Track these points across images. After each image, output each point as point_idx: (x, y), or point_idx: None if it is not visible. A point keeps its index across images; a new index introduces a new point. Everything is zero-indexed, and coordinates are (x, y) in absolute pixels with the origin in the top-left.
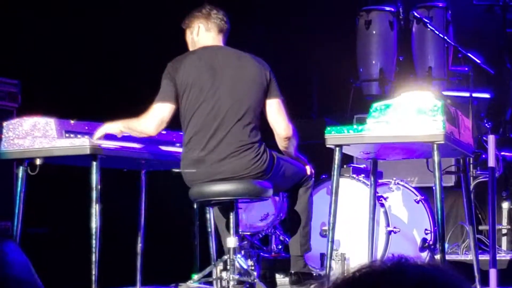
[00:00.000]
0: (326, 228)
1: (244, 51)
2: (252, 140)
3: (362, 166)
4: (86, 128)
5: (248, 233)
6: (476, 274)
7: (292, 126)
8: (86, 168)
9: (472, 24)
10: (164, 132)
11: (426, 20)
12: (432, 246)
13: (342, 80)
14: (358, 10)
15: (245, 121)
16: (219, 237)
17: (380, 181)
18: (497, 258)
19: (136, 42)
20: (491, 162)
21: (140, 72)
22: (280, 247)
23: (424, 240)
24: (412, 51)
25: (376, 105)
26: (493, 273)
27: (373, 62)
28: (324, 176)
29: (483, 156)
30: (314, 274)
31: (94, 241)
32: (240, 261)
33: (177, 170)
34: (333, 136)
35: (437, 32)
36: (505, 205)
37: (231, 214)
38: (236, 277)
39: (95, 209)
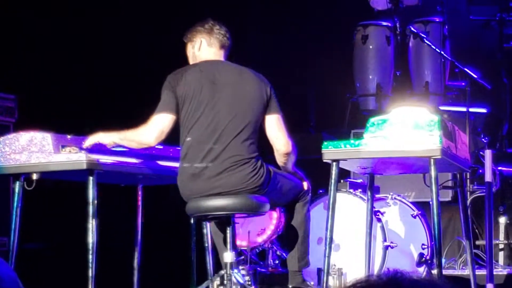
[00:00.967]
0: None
1: (242, 66)
2: (250, 155)
3: (359, 181)
4: (83, 143)
5: (245, 248)
6: None
7: (291, 142)
8: (82, 183)
9: (469, 39)
10: (160, 146)
11: (423, 35)
12: (429, 261)
13: (339, 95)
14: (355, 25)
15: (244, 136)
16: (216, 252)
17: (377, 196)
18: (494, 273)
19: (135, 59)
20: (488, 177)
21: (138, 88)
22: (277, 262)
23: (421, 255)
24: (409, 66)
25: (373, 119)
26: None
27: (370, 77)
28: (321, 191)
29: (480, 171)
30: None
31: (90, 256)
32: (237, 276)
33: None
34: (330, 150)
35: (434, 47)
36: (502, 220)
37: (228, 229)
38: None
39: (92, 224)
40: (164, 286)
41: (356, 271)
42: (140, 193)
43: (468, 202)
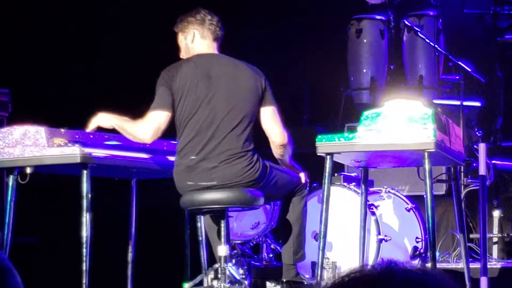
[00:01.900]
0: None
1: (237, 59)
2: (246, 148)
3: (353, 174)
4: (77, 136)
5: (239, 242)
6: (467, 282)
7: (287, 133)
8: (76, 177)
9: (462, 33)
10: (156, 140)
11: (417, 29)
12: (423, 254)
13: (333, 88)
14: (349, 19)
15: (240, 130)
16: (210, 246)
17: (371, 189)
18: (488, 266)
19: (130, 51)
20: (482, 171)
21: (132, 80)
22: (271, 255)
23: (415, 248)
24: (403, 59)
25: (367, 113)
26: (484, 282)
27: (364, 70)
28: (315, 185)
29: (474, 164)
30: (306, 283)
31: (84, 250)
32: (231, 270)
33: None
34: (324, 144)
35: (428, 41)
36: (496, 213)
37: (222, 222)
38: (227, 285)
39: (86, 218)
40: (158, 280)
41: (350, 265)
42: (134, 186)
43: (462, 195)
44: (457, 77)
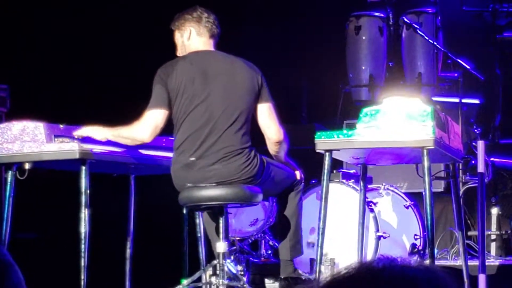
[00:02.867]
0: (312, 241)
1: (234, 56)
2: (243, 145)
3: (352, 171)
4: (74, 132)
5: (238, 238)
6: (465, 279)
7: (283, 130)
8: (75, 173)
9: (461, 30)
10: None
11: (415, 26)
12: (421, 252)
13: (332, 85)
14: (348, 16)
15: (237, 127)
16: (208, 242)
17: (369, 186)
18: (486, 263)
19: (127, 46)
20: (481, 168)
21: (130, 77)
22: (269, 252)
23: (413, 245)
24: (402, 56)
25: (366, 110)
26: (482, 279)
27: (363, 67)
28: (313, 181)
29: (473, 161)
30: (304, 279)
31: (83, 246)
32: (230, 266)
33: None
34: (323, 141)
35: (427, 38)
36: (494, 210)
37: (221, 219)
38: (226, 282)
39: (84, 213)
40: (156, 276)
41: (349, 261)
42: (132, 183)
43: (461, 192)
44: (456, 75)
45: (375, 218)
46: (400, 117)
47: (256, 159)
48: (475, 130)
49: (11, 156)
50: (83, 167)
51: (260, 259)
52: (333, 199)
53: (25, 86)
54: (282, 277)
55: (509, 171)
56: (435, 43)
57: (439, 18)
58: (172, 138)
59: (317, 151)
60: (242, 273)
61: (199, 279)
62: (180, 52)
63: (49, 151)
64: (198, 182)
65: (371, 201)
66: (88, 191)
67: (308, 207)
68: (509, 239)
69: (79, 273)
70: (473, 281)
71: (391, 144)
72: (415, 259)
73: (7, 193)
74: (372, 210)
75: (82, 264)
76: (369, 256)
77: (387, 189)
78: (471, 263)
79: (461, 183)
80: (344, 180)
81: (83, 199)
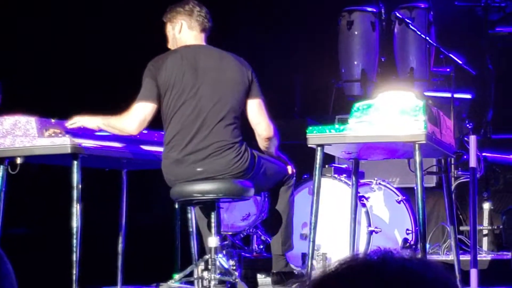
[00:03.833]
0: (305, 232)
1: (226, 51)
2: (234, 140)
3: (343, 166)
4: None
5: (230, 233)
6: (457, 274)
7: (273, 126)
8: (67, 167)
9: (453, 25)
10: (145, 131)
11: (408, 21)
12: (413, 246)
13: (324, 80)
14: (340, 11)
15: (227, 121)
16: (200, 237)
17: (361, 181)
18: (478, 258)
19: (118, 41)
20: (473, 163)
21: (122, 70)
22: (261, 247)
23: (405, 240)
24: (394, 51)
25: (358, 105)
26: (474, 274)
27: (355, 62)
28: (305, 176)
29: (465, 156)
30: (296, 273)
31: (75, 241)
32: (222, 261)
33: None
34: (315, 135)
35: (419, 33)
36: (486, 205)
37: (213, 213)
38: (218, 276)
39: (76, 208)
40: (148, 271)
41: (341, 256)
42: (124, 177)
43: (453, 187)
44: (448, 70)
45: (367, 213)
46: (392, 112)
47: (247, 154)
48: (467, 125)
49: (2, 150)
50: (75, 162)
51: (252, 254)
52: (325, 194)
53: (16, 80)
54: (274, 271)
55: (501, 166)
56: (427, 38)
57: (431, 13)
58: (163, 133)
59: (309, 145)
60: (234, 267)
61: (191, 274)
62: (171, 45)
63: (41, 146)
64: (189, 177)
65: (363, 196)
66: (80, 186)
67: (300, 201)
68: (501, 234)
69: (71, 268)
70: (465, 275)
71: (383, 139)
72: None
73: None
74: (364, 205)
75: (74, 259)
76: (361, 250)
77: (379, 184)
78: (463, 258)
79: (453, 178)
80: (336, 175)
81: (75, 193)
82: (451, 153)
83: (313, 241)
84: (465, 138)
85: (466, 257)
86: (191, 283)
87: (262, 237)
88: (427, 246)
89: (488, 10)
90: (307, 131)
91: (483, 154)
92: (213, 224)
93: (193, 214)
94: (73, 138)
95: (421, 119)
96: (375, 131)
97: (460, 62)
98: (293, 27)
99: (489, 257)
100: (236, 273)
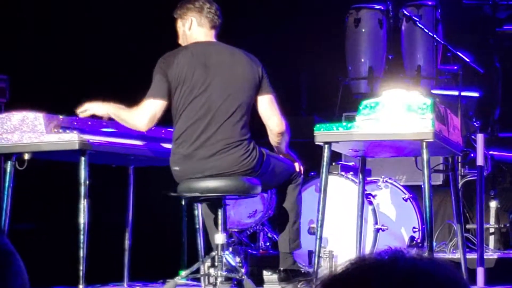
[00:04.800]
0: (314, 226)
1: (234, 47)
2: (242, 137)
3: (350, 163)
4: (75, 123)
5: (236, 230)
6: (463, 272)
7: (285, 121)
8: (74, 164)
9: (461, 23)
10: (152, 128)
11: (415, 19)
12: (420, 244)
13: (331, 78)
14: (348, 8)
15: (236, 118)
16: (207, 234)
17: (368, 178)
18: (485, 257)
19: (125, 37)
20: (480, 161)
21: (130, 67)
22: (268, 244)
23: (412, 238)
24: (401, 49)
25: (365, 102)
26: (480, 272)
27: (362, 60)
28: (312, 174)
29: (472, 155)
30: (303, 271)
31: (82, 237)
32: (228, 258)
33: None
34: (322, 133)
35: (427, 31)
36: (492, 204)
37: (220, 210)
38: (224, 273)
39: (83, 204)
40: (154, 267)
41: (347, 254)
42: (131, 174)
43: (460, 186)
44: (456, 67)
45: (373, 210)
46: (400, 109)
47: (255, 151)
48: (475, 123)
49: (10, 146)
50: (83, 158)
51: (258, 251)
52: (332, 192)
53: (25, 76)
54: (281, 268)
55: (508, 165)
56: (434, 35)
57: (439, 10)
58: (171, 130)
59: (316, 143)
60: (240, 264)
61: (197, 271)
62: (181, 41)
63: (49, 142)
64: (197, 173)
65: (370, 194)
66: (87, 182)
67: (307, 199)
68: (508, 233)
69: (77, 264)
70: (472, 274)
71: (390, 137)
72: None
73: (6, 184)
74: (371, 203)
75: (81, 255)
76: (367, 248)
77: (386, 181)
78: (470, 256)
79: (460, 176)
80: (343, 173)
81: (82, 190)
82: (458, 151)
83: (320, 239)
84: (472, 136)
85: (472, 256)
86: (198, 279)
87: (269, 234)
88: (434, 244)
89: (496, 8)
90: (314, 128)
91: (490, 152)
92: (220, 221)
93: (199, 211)
94: (81, 134)
95: (428, 117)
96: (382, 129)
97: (468, 60)
98: (301, 24)
99: (495, 256)
100: (243, 270)
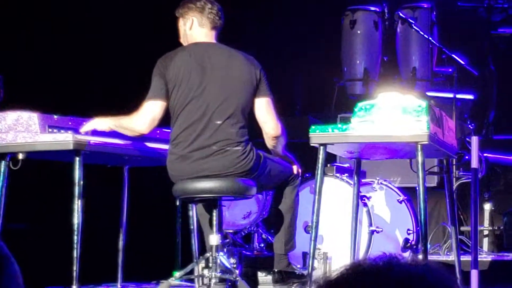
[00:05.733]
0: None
1: (234, 49)
2: (239, 139)
3: (345, 165)
4: (70, 123)
5: (231, 231)
6: (457, 275)
7: (281, 125)
8: (69, 164)
9: (456, 25)
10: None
11: (411, 21)
12: (414, 246)
13: (326, 79)
14: (343, 10)
15: (233, 120)
16: (201, 235)
17: (363, 180)
18: (479, 259)
19: (122, 36)
20: (474, 163)
21: (125, 66)
22: (262, 245)
23: (406, 240)
24: (397, 51)
25: (361, 104)
26: (474, 274)
27: (358, 61)
28: (307, 175)
29: (466, 157)
30: (297, 273)
31: (76, 237)
32: (223, 259)
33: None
34: (318, 134)
35: (422, 33)
36: (487, 206)
37: (214, 211)
38: (218, 274)
39: (77, 204)
40: (148, 268)
41: (342, 256)
42: (126, 174)
43: (454, 188)
44: (450, 70)
45: (368, 212)
46: (395, 112)
47: (252, 153)
48: (469, 126)
49: (4, 146)
50: (77, 158)
51: (253, 252)
52: (327, 193)
53: (19, 75)
54: (276, 270)
55: (503, 167)
56: (430, 38)
57: (434, 13)
58: (167, 130)
59: (311, 145)
60: (235, 266)
61: (191, 272)
62: (182, 40)
63: (43, 142)
64: (193, 174)
65: (364, 196)
66: (82, 182)
67: (302, 200)
68: (502, 235)
69: (71, 264)
70: (466, 276)
71: (385, 139)
72: (407, 254)
73: (0, 183)
74: (365, 205)
75: (75, 255)
76: (362, 250)
77: (381, 183)
78: (464, 258)
79: (454, 179)
80: (338, 174)
81: (77, 190)
82: (453, 153)
83: (315, 240)
84: (467, 139)
85: (466, 258)
86: (192, 280)
87: (263, 236)
88: (428, 246)
89: (491, 11)
90: (309, 130)
91: (485, 154)
92: (214, 222)
93: (194, 212)
94: (76, 134)
95: (423, 119)
96: (377, 131)
97: (463, 62)
98: (296, 25)
99: (489, 258)
100: (237, 271)
